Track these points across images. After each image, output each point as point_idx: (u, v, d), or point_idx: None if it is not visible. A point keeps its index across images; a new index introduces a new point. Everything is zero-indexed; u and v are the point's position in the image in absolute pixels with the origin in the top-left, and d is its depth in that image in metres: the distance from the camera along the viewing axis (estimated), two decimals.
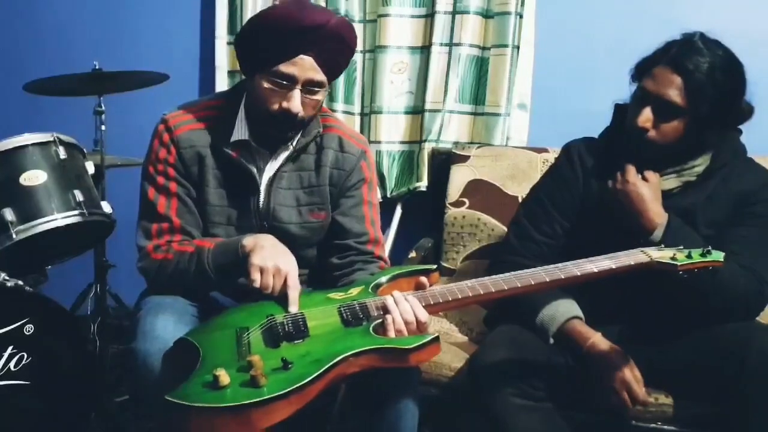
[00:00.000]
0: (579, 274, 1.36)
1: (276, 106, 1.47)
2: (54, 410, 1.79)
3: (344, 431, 1.60)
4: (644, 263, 1.37)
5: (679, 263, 1.34)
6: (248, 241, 1.44)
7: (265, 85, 1.46)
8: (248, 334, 1.31)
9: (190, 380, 1.20)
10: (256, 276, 1.38)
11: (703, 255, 1.35)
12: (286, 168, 1.58)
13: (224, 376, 1.16)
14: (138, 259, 1.54)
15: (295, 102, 1.46)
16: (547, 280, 1.36)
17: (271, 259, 1.40)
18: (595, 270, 1.37)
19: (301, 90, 1.46)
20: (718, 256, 1.35)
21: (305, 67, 1.45)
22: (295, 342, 1.28)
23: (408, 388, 1.39)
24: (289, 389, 1.16)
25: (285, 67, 1.44)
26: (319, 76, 1.47)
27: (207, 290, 1.54)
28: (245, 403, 1.14)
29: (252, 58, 1.51)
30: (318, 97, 1.50)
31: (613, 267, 1.36)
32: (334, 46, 1.47)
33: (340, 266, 1.60)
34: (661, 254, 1.37)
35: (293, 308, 1.37)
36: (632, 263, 1.37)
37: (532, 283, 1.36)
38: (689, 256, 1.35)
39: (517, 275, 1.37)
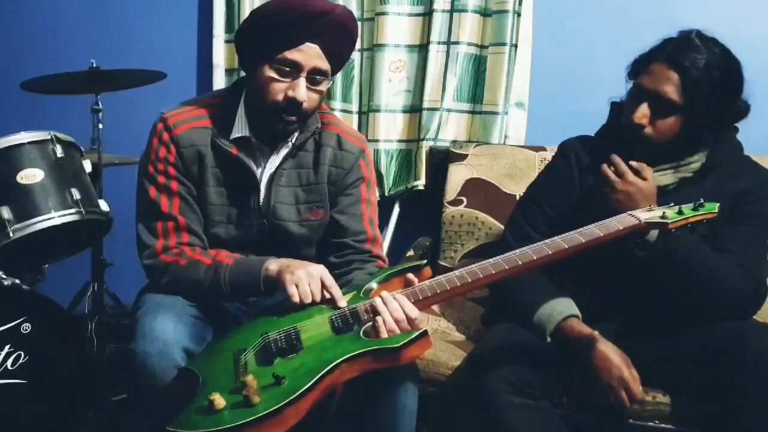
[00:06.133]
0: (566, 246, 1.34)
1: (281, 96, 1.46)
2: (51, 409, 1.79)
3: (342, 431, 1.60)
4: (633, 226, 1.34)
5: (670, 221, 1.32)
6: (273, 265, 1.44)
7: (270, 74, 1.46)
8: (244, 355, 1.32)
9: (188, 408, 1.21)
10: (293, 290, 1.39)
11: (695, 209, 1.32)
12: (285, 165, 1.58)
13: (219, 400, 1.18)
14: (144, 256, 1.54)
15: (301, 90, 1.45)
16: (535, 257, 1.33)
17: (300, 268, 1.41)
18: (583, 240, 1.34)
19: (305, 79, 1.46)
20: (711, 207, 1.32)
21: (311, 54, 1.45)
22: (289, 357, 1.28)
23: (406, 386, 1.39)
24: (282, 403, 1.17)
25: (291, 54, 1.44)
26: (325, 64, 1.47)
27: (217, 302, 1.54)
28: (241, 423, 1.15)
29: (256, 48, 1.49)
30: (321, 87, 1.50)
31: (601, 234, 1.34)
32: (339, 35, 1.48)
33: (338, 265, 1.60)
34: (651, 215, 1.35)
35: (342, 303, 1.38)
36: (621, 228, 1.34)
37: (520, 263, 1.34)
38: (680, 212, 1.32)
39: (504, 257, 1.35)
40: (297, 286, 1.39)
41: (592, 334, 1.48)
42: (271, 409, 1.16)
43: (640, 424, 1.54)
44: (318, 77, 1.48)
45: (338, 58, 1.52)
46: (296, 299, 1.38)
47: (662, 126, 1.52)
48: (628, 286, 1.56)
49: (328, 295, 1.40)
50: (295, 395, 1.18)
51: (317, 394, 1.22)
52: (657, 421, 1.54)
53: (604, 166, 1.56)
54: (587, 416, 1.56)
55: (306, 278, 1.39)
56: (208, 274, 1.47)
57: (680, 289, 1.52)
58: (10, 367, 1.72)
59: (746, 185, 1.58)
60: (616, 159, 1.55)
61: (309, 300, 1.39)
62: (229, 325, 1.53)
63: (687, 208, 1.33)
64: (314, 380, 1.20)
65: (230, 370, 1.29)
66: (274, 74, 1.46)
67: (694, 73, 1.47)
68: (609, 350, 1.45)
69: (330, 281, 1.41)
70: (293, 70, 1.45)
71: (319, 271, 1.42)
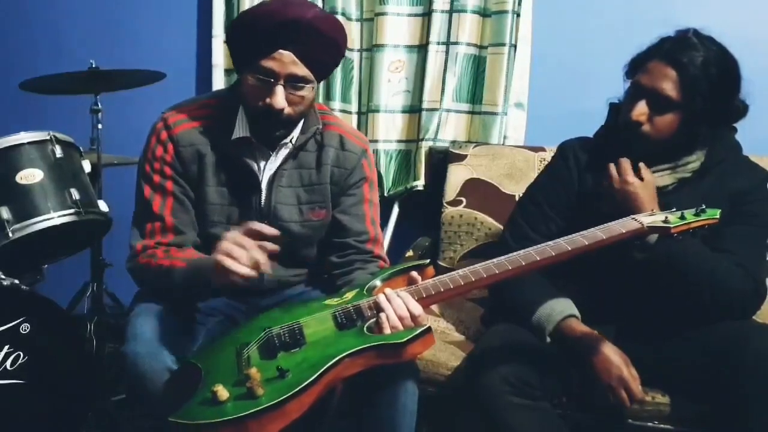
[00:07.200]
0: (569, 248, 1.33)
1: (260, 103, 1.46)
2: (51, 409, 1.79)
3: (342, 429, 1.60)
4: (636, 230, 1.34)
5: (672, 225, 1.32)
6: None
7: (251, 81, 1.46)
8: (247, 349, 1.32)
9: (192, 400, 1.21)
10: (222, 258, 1.25)
11: (697, 214, 1.33)
12: (286, 166, 1.58)
13: (222, 391, 1.18)
14: (127, 258, 1.54)
15: (278, 98, 1.44)
16: (538, 258, 1.33)
17: (222, 241, 1.29)
18: (586, 243, 1.33)
19: (285, 86, 1.45)
20: (713, 213, 1.33)
21: (285, 62, 1.43)
22: (292, 351, 1.29)
23: (406, 386, 1.39)
24: (286, 396, 1.17)
25: (265, 62, 1.43)
26: (301, 70, 1.45)
27: (185, 302, 1.50)
28: (245, 413, 1.15)
29: (239, 55, 1.51)
30: (303, 93, 1.48)
31: (604, 237, 1.33)
32: (314, 41, 1.44)
33: (339, 265, 1.60)
34: (653, 219, 1.35)
35: (270, 231, 1.30)
36: (623, 231, 1.34)
37: (523, 263, 1.34)
38: (682, 217, 1.33)
39: (507, 258, 1.35)
40: (227, 253, 1.27)
41: (591, 334, 1.48)
42: (274, 401, 1.16)
43: (639, 424, 1.54)
44: (297, 83, 1.46)
45: (318, 64, 1.48)
46: (227, 263, 1.25)
47: (660, 123, 1.52)
48: (628, 287, 1.56)
49: (266, 250, 1.28)
50: (299, 388, 1.18)
51: (320, 389, 1.21)
52: (656, 422, 1.54)
53: (611, 165, 1.56)
54: (587, 416, 1.56)
55: (230, 238, 1.28)
56: (166, 277, 1.43)
57: (680, 290, 1.52)
58: (9, 368, 1.72)
59: (745, 185, 1.58)
60: (623, 160, 1.55)
61: (245, 261, 1.25)
62: (225, 326, 1.53)
63: (689, 213, 1.33)
64: (318, 374, 1.20)
65: (233, 364, 1.28)
66: (253, 82, 1.45)
67: (691, 70, 1.47)
68: (608, 350, 1.45)
69: (253, 226, 1.30)
70: (270, 77, 1.44)
71: (235, 232, 1.30)
